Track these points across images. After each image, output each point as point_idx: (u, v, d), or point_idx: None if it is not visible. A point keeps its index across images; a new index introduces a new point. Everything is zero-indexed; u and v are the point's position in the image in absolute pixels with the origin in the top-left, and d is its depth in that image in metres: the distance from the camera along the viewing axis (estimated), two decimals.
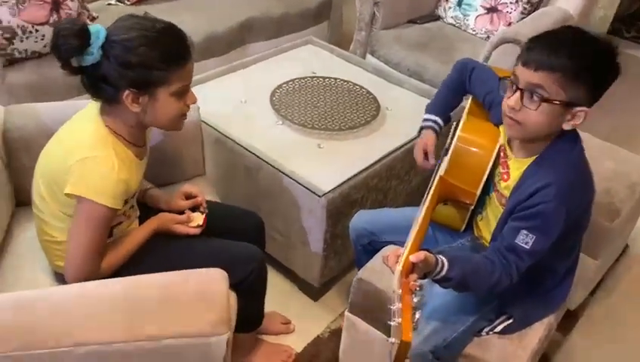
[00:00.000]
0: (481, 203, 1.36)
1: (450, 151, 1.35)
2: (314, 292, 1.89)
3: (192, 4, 2.72)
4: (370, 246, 1.53)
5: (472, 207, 1.36)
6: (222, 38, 2.58)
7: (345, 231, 1.65)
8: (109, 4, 2.60)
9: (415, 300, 0.97)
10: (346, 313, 1.49)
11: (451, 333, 1.25)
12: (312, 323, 1.81)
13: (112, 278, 1.19)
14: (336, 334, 1.72)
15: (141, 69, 1.14)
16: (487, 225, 1.36)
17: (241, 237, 1.45)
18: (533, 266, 1.18)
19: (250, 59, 2.27)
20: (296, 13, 2.88)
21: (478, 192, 1.31)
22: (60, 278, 1.29)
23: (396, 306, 0.95)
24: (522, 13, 2.49)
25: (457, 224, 1.43)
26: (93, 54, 1.12)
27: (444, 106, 1.55)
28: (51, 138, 1.27)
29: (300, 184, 1.67)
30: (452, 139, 1.42)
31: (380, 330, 1.41)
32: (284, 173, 1.70)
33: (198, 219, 1.42)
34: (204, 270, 1.14)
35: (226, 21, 2.61)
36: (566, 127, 1.12)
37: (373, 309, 1.41)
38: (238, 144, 1.79)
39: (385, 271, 1.09)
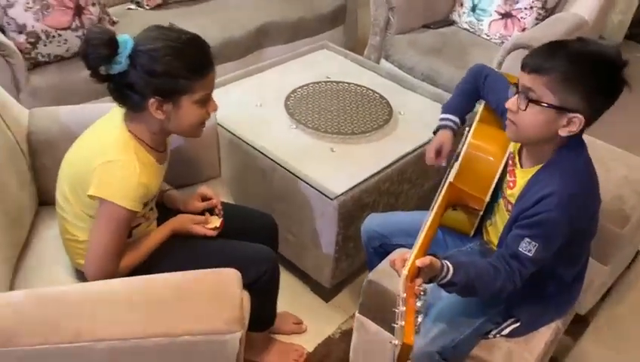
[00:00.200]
0: (490, 209, 1.38)
1: (460, 157, 1.38)
2: (326, 293, 1.92)
3: (209, 9, 2.77)
4: (382, 249, 1.55)
5: (481, 213, 1.38)
6: (238, 43, 2.62)
7: (357, 234, 1.67)
8: (129, 8, 2.65)
9: (419, 304, 1.00)
10: (357, 314, 1.52)
11: (458, 335, 1.27)
12: (323, 323, 1.84)
13: (130, 276, 1.23)
14: (347, 335, 1.74)
15: (166, 77, 1.18)
16: (496, 231, 1.37)
17: (254, 239, 1.48)
18: (539, 272, 1.19)
19: (265, 63, 2.31)
20: (311, 18, 2.92)
21: (487, 199, 1.33)
22: (81, 276, 1.34)
23: (400, 309, 0.98)
24: (536, 18, 2.50)
25: (467, 228, 1.45)
26: (121, 63, 1.16)
27: (460, 108, 1.56)
28: (75, 141, 1.32)
29: (312, 187, 1.70)
30: (463, 145, 1.44)
31: (390, 331, 1.44)
32: (297, 176, 1.73)
33: (216, 221, 1.45)
34: (218, 270, 1.17)
35: (243, 26, 2.65)
36: (562, 133, 1.13)
37: (382, 310, 1.44)
38: (252, 147, 1.83)
39: (395, 274, 1.11)
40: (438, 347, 1.25)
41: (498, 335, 1.33)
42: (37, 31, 2.07)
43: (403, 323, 0.96)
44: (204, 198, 1.51)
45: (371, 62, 2.47)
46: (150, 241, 1.35)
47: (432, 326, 1.27)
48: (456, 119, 1.54)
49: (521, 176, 1.25)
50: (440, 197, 1.34)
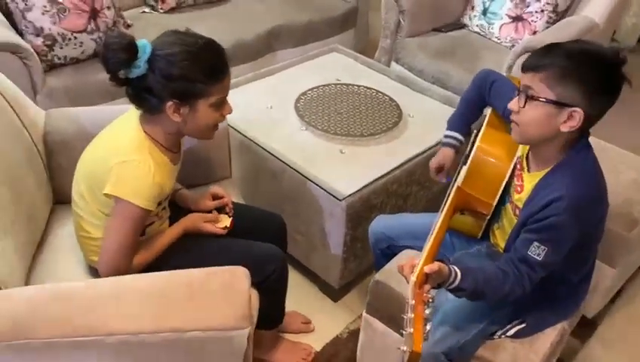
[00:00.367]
0: (497, 212, 1.39)
1: (468, 161, 1.39)
2: (334, 294, 1.94)
3: (221, 12, 2.81)
4: (389, 250, 1.57)
5: (489, 217, 1.39)
6: (250, 46, 2.65)
7: (365, 235, 1.68)
8: (143, 12, 2.70)
9: (427, 311, 1.00)
10: (364, 314, 1.54)
11: (464, 336, 1.27)
12: (331, 323, 1.86)
13: (142, 273, 1.26)
14: (354, 334, 1.75)
15: (183, 81, 1.21)
16: (503, 234, 1.38)
17: (263, 238, 1.50)
18: (547, 276, 1.20)
19: (276, 66, 2.33)
20: (322, 21, 2.94)
21: (494, 203, 1.34)
22: (94, 272, 1.37)
23: (409, 316, 0.99)
24: (547, 22, 2.49)
25: (474, 231, 1.45)
26: (140, 67, 1.19)
27: (464, 122, 1.59)
28: (92, 141, 1.36)
29: (321, 188, 1.72)
30: (471, 148, 1.45)
31: (396, 331, 1.45)
32: (306, 177, 1.76)
33: (226, 220, 1.48)
34: (227, 268, 1.19)
35: (254, 29, 2.69)
36: (563, 128, 1.13)
37: (389, 310, 1.45)
38: (263, 148, 1.86)
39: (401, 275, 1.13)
40: (444, 348, 1.25)
41: (503, 336, 1.34)
42: (53, 34, 2.11)
43: (412, 330, 0.97)
44: (215, 197, 1.54)
45: (381, 65, 2.48)
46: (163, 240, 1.38)
47: (438, 327, 1.28)
48: (459, 135, 1.57)
49: (529, 181, 1.26)
50: (448, 202, 1.35)
